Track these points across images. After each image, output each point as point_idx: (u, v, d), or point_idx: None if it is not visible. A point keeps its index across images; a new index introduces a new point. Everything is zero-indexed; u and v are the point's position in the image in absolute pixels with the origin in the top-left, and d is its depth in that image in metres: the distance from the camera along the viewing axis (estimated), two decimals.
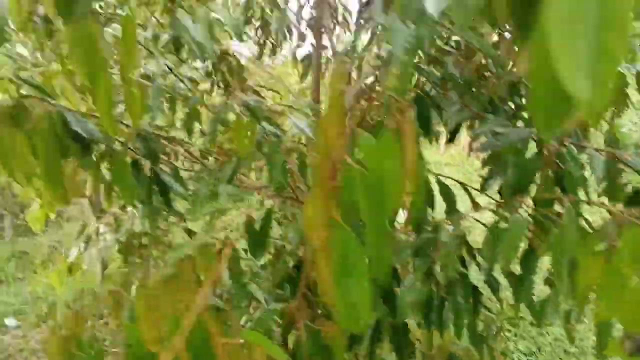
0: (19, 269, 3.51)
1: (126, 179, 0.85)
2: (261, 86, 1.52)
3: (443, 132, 1.00)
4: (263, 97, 1.27)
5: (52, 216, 1.53)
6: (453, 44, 0.87)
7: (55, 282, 1.50)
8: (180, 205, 1.06)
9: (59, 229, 4.51)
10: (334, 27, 1.78)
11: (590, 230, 0.56)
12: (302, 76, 2.09)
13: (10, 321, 2.84)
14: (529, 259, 0.63)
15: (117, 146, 0.86)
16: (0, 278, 3.42)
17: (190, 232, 0.97)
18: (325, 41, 1.81)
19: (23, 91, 1.55)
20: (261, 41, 1.99)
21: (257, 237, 0.75)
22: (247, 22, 1.92)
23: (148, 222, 1.25)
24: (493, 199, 0.84)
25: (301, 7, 1.93)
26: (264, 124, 0.83)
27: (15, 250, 3.82)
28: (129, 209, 1.57)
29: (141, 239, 1.21)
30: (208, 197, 0.85)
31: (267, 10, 1.90)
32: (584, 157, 0.70)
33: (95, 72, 0.61)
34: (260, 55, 2.03)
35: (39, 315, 2.87)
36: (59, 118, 0.77)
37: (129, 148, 0.88)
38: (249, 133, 0.80)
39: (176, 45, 0.75)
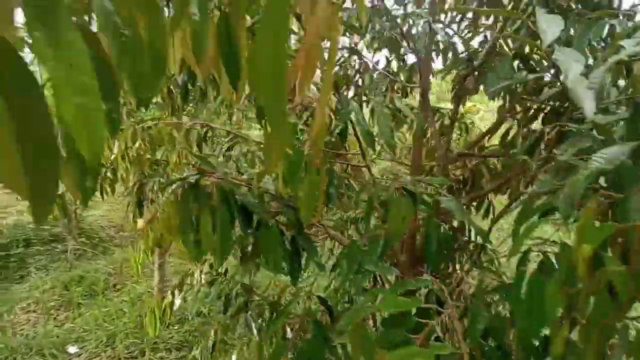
0: (79, 294, 3.63)
1: (275, 247, 0.90)
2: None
3: None
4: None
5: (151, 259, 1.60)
6: None
7: (150, 325, 1.54)
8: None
9: (111, 254, 4.68)
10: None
11: None
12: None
13: (72, 348, 2.92)
14: None
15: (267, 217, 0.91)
16: (62, 303, 3.55)
17: (320, 299, 0.99)
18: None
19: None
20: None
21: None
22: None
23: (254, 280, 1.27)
24: None
25: (389, 62, 2.01)
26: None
27: (75, 275, 3.97)
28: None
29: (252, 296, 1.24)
30: (354, 271, 0.87)
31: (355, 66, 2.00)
32: None
33: (296, 173, 0.67)
34: None
35: (99, 343, 2.94)
36: (231, 193, 0.83)
37: (278, 220, 0.93)
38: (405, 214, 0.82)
39: (343, 133, 0.81)
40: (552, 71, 1.12)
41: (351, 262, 0.89)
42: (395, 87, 1.95)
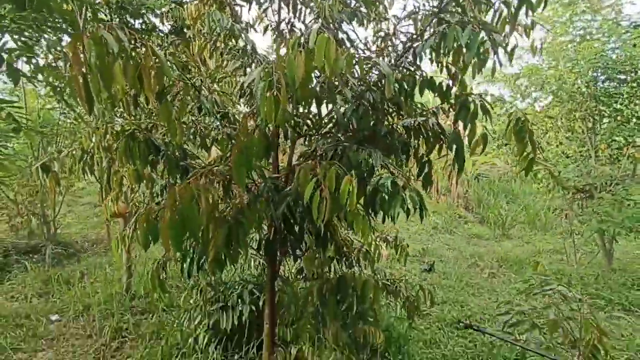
0: (59, 285, 4.25)
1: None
2: None
3: None
4: None
5: None
6: None
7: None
8: None
9: (85, 259, 5.29)
10: None
11: None
12: None
13: (54, 316, 3.59)
14: None
15: None
16: (41, 294, 4.15)
17: None
18: None
19: None
20: None
21: None
22: None
23: None
24: None
25: None
26: None
27: (54, 273, 4.56)
28: None
29: None
30: None
31: None
32: None
33: None
34: None
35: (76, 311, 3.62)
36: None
37: None
38: None
39: None
40: None
41: None
42: None
